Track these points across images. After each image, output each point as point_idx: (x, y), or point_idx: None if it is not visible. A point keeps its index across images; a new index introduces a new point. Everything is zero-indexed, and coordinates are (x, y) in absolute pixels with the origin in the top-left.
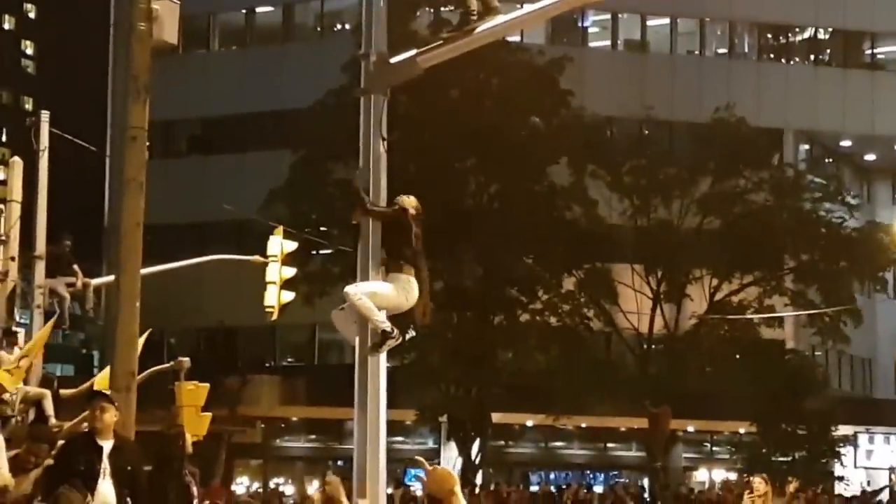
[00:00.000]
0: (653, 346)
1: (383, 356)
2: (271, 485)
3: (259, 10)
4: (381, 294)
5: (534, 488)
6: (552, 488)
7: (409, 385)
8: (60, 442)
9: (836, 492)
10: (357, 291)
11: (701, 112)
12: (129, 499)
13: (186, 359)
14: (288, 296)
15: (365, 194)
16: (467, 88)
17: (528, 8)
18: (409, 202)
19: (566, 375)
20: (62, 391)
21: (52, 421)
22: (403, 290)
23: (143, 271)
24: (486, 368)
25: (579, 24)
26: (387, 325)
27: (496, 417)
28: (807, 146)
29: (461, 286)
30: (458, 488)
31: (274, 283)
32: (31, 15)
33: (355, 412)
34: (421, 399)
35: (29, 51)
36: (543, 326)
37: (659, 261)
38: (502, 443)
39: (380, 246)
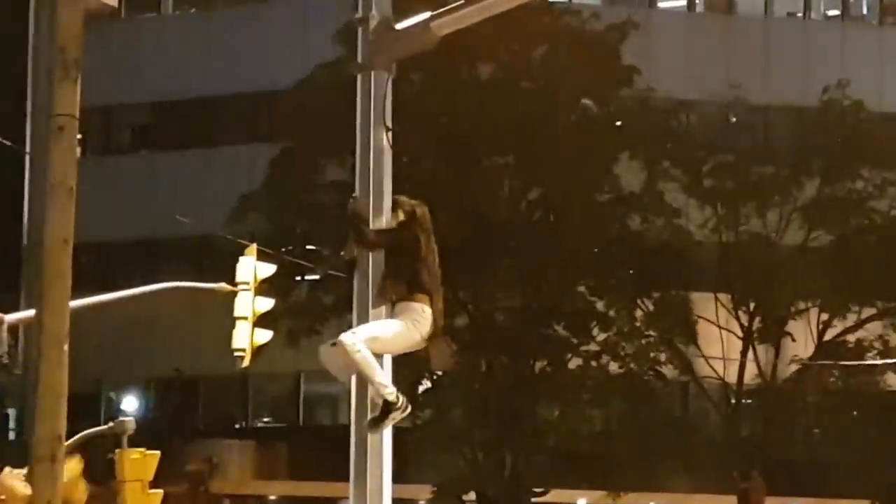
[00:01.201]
0: (743, 401)
1: None
2: None
3: None
4: (385, 338)
5: None
6: None
7: (423, 452)
8: None
9: None
10: (356, 342)
11: (806, 93)
12: None
13: (130, 419)
14: (264, 335)
15: (365, 222)
16: (500, 63)
17: None
18: (414, 205)
19: (630, 439)
20: None
21: None
22: (416, 325)
23: (74, 304)
24: (525, 430)
25: None
26: (391, 393)
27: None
28: None
29: (492, 321)
30: None
31: (245, 318)
32: None
33: (351, 489)
34: (439, 471)
35: None
36: (600, 374)
37: (751, 288)
38: None
39: (383, 268)
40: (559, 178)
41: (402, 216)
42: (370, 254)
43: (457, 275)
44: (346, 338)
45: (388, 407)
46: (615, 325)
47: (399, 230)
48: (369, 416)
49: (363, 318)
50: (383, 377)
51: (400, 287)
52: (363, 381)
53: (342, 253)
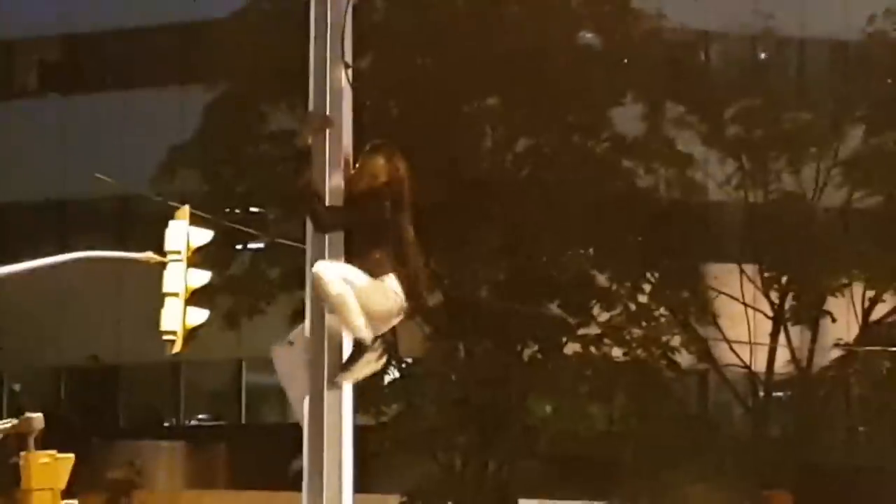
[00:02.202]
0: (773, 393)
1: (348, 408)
2: None
3: None
4: (362, 289)
5: None
6: None
7: (390, 455)
8: None
9: None
10: (334, 275)
11: (847, 23)
12: None
13: (38, 415)
14: (199, 315)
15: (320, 199)
16: None
17: None
18: (383, 164)
19: (637, 440)
20: None
21: None
22: (385, 298)
23: None
24: (512, 429)
25: None
26: (367, 337)
27: None
28: None
29: (472, 299)
30: None
31: (176, 294)
32: None
33: (304, 499)
34: (409, 478)
35: None
36: (602, 362)
37: (783, 259)
38: None
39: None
40: (552, 125)
41: (370, 179)
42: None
43: (430, 243)
44: (323, 269)
45: (361, 348)
46: (619, 302)
47: (364, 205)
48: (337, 364)
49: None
50: (359, 318)
51: (364, 254)
52: (319, 369)
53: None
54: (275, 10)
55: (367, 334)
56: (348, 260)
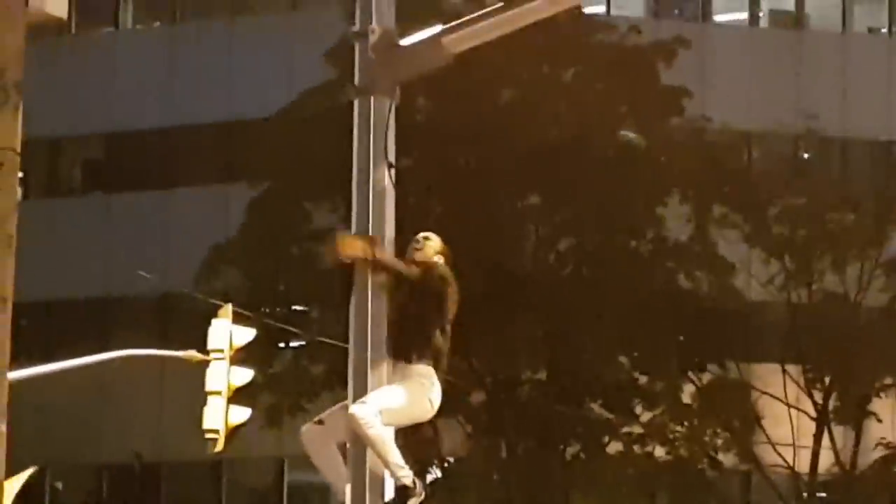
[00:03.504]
0: (817, 494)
1: None
2: None
3: None
4: (398, 409)
5: None
6: None
7: None
8: None
9: None
10: (368, 415)
11: (891, 124)
12: None
13: None
14: (241, 414)
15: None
16: (523, 86)
17: None
18: (435, 247)
19: None
20: None
21: None
22: (423, 391)
23: (13, 374)
24: None
25: None
26: (407, 476)
27: None
28: None
29: (514, 397)
30: None
31: (219, 393)
32: None
33: None
34: None
35: None
36: (645, 461)
37: (827, 359)
38: None
39: (386, 325)
40: (594, 224)
41: (428, 254)
42: (369, 300)
43: (472, 340)
44: (358, 410)
45: (405, 493)
46: (663, 403)
47: (430, 269)
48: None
49: (360, 383)
50: (399, 458)
51: (411, 344)
52: (360, 466)
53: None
54: (318, 109)
55: (406, 475)
56: (394, 338)
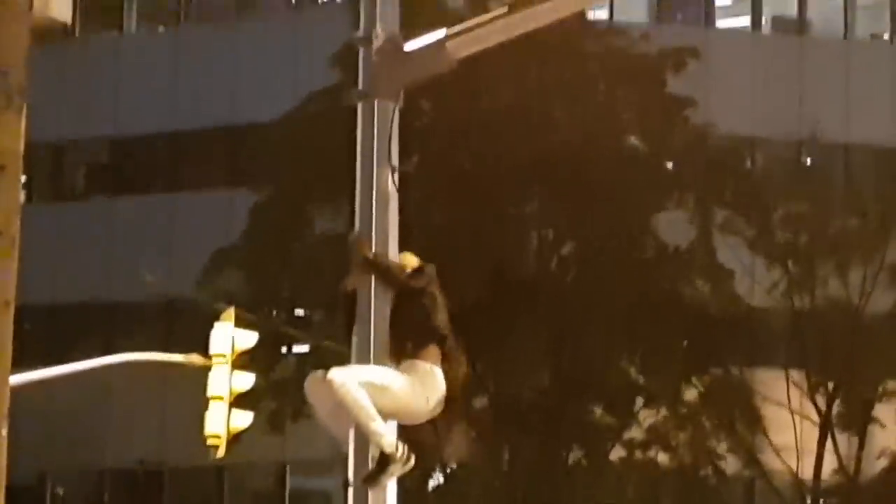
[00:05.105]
0: (821, 501)
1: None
2: None
3: None
4: (387, 388)
5: None
6: None
7: None
8: None
9: None
10: (346, 379)
11: (893, 129)
12: None
13: None
14: (244, 419)
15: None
16: (528, 91)
17: None
18: (412, 264)
19: None
20: None
21: None
22: (423, 386)
23: (15, 378)
24: None
25: None
26: (389, 443)
27: None
28: None
29: (516, 401)
30: None
31: (221, 398)
32: None
33: None
34: None
35: None
36: (648, 467)
37: (830, 365)
38: None
39: (388, 330)
40: (598, 230)
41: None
42: (372, 305)
43: (474, 345)
44: (337, 375)
45: (385, 459)
46: (665, 408)
47: (414, 273)
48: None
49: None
50: (380, 424)
51: (406, 343)
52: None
53: (343, 282)
54: (322, 115)
55: (387, 441)
56: (393, 338)
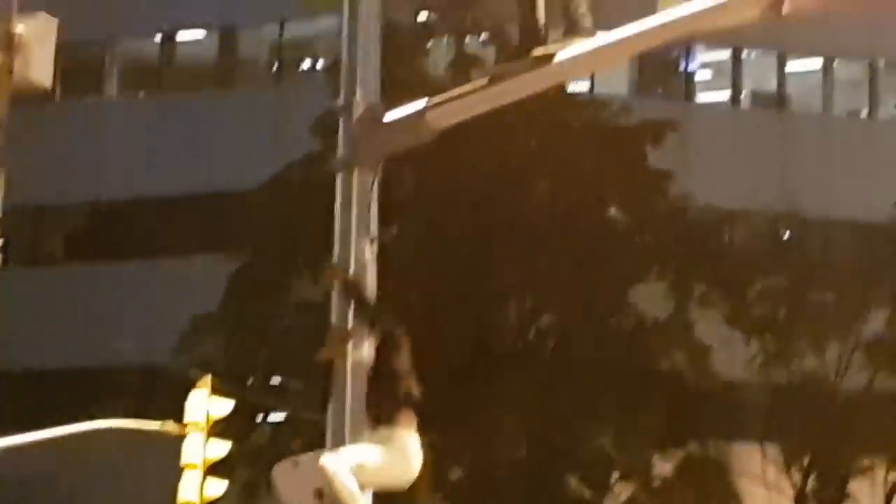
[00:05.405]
0: None
1: None
2: None
3: (183, 37)
4: (373, 468)
5: None
6: None
7: None
8: None
9: None
10: (339, 468)
11: (874, 206)
12: None
13: None
14: (218, 487)
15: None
16: (508, 162)
17: (604, 37)
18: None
19: None
20: None
21: None
22: (402, 456)
23: None
24: None
25: (681, 68)
26: None
27: None
28: None
29: (493, 473)
30: None
31: (195, 465)
32: None
33: None
34: None
35: None
36: None
37: (805, 440)
38: None
39: (365, 398)
40: (576, 302)
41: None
42: (349, 372)
43: (450, 416)
44: (330, 462)
45: None
46: (640, 478)
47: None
48: None
49: (339, 441)
50: None
51: (388, 406)
52: None
53: (320, 352)
54: (302, 183)
55: None
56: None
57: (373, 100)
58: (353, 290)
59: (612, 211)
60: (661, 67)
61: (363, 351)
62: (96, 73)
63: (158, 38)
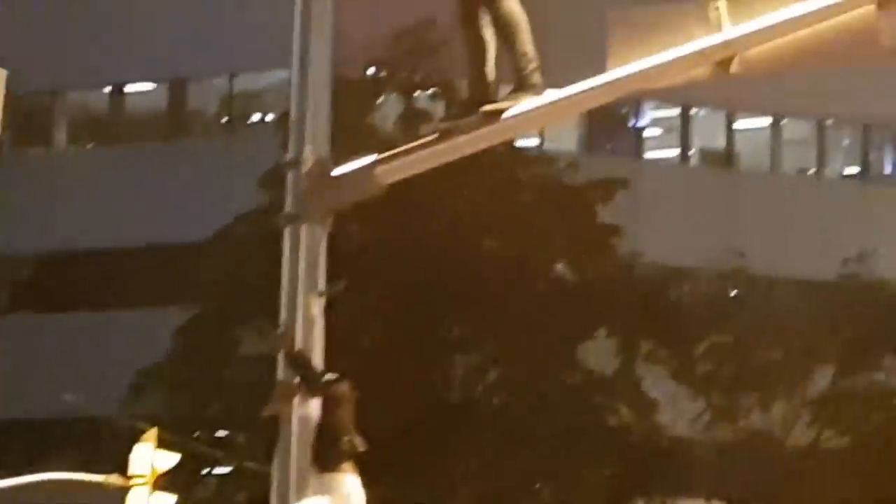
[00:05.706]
0: None
1: None
2: None
3: (132, 88)
4: None
5: None
6: None
7: None
8: None
9: None
10: None
11: (821, 264)
12: None
13: None
14: None
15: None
16: (456, 217)
17: (553, 94)
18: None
19: None
20: None
21: None
22: (346, 502)
23: None
24: None
25: (631, 124)
26: None
27: None
28: None
29: None
30: None
31: None
32: None
33: None
34: None
35: None
36: None
37: (753, 496)
38: None
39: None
40: (524, 358)
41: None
42: (294, 426)
43: (398, 471)
44: None
45: None
46: None
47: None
48: None
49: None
50: None
51: (332, 456)
52: None
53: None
54: (250, 236)
55: None
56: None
57: (322, 153)
58: (299, 361)
59: (561, 267)
60: (610, 124)
61: (309, 406)
62: (45, 125)
63: (108, 89)
